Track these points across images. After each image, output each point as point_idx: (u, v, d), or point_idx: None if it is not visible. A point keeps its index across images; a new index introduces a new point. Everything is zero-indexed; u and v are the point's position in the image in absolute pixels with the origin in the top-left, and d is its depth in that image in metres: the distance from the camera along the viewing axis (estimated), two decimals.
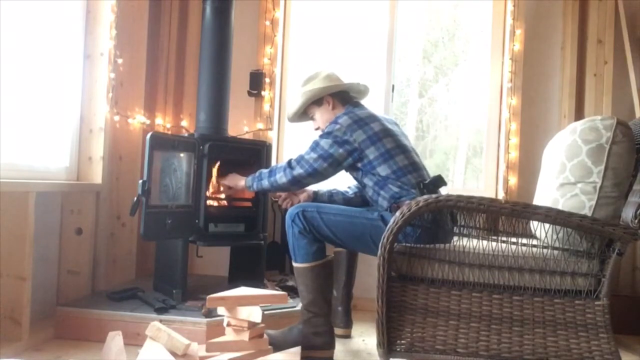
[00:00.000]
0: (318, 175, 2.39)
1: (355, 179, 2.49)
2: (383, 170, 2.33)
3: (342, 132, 2.35)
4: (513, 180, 3.39)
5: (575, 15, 3.38)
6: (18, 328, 2.27)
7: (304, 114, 2.65)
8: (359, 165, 2.38)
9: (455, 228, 2.20)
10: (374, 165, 2.34)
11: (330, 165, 2.37)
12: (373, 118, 2.40)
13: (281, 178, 2.43)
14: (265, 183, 2.50)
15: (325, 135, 2.39)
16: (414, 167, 2.37)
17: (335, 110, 2.55)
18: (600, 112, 3.28)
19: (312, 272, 2.30)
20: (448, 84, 4.00)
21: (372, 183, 2.37)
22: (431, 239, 2.01)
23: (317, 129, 2.62)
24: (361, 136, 2.33)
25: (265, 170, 2.54)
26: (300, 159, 2.41)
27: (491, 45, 3.61)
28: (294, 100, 2.64)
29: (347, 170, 2.47)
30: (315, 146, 2.39)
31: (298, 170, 2.39)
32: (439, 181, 2.27)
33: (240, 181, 2.68)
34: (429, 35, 4.03)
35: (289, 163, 2.44)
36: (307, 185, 2.51)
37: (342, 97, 2.59)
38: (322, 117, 2.58)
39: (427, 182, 2.28)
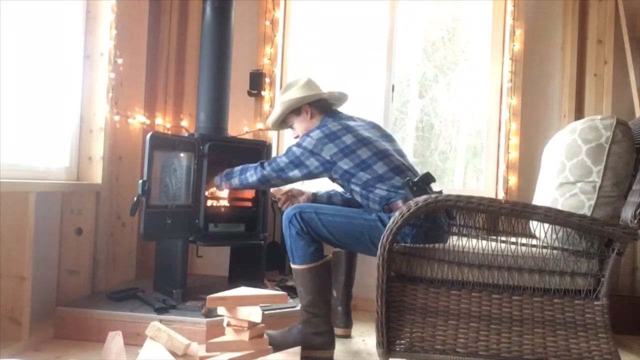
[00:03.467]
0: (286, 178, 2.50)
1: (342, 186, 2.50)
2: (363, 177, 2.35)
3: (312, 145, 2.39)
4: (513, 180, 3.39)
5: (575, 15, 3.38)
6: (18, 328, 2.27)
7: (283, 122, 2.69)
8: (335, 175, 2.42)
9: (453, 227, 2.19)
10: (352, 173, 2.36)
11: (300, 171, 2.44)
12: (346, 130, 2.41)
13: (251, 176, 2.56)
14: (235, 181, 2.63)
15: (297, 145, 2.46)
16: (396, 171, 2.35)
17: (313, 120, 2.58)
18: (600, 112, 3.28)
19: (310, 273, 2.30)
20: (448, 84, 4.00)
21: (359, 189, 2.37)
22: (429, 238, 2.01)
23: (296, 137, 2.64)
24: (332, 149, 2.37)
25: (237, 169, 2.65)
26: (272, 161, 2.51)
27: (491, 45, 3.61)
28: (274, 109, 2.67)
29: (332, 180, 2.51)
30: (287, 151, 2.48)
31: (267, 170, 2.51)
32: (428, 178, 2.25)
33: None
34: (429, 35, 4.03)
35: (262, 164, 2.55)
36: (275, 186, 2.66)
37: (321, 105, 2.61)
38: (300, 125, 2.61)
39: (416, 180, 2.26)
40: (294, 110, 2.61)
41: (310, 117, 2.59)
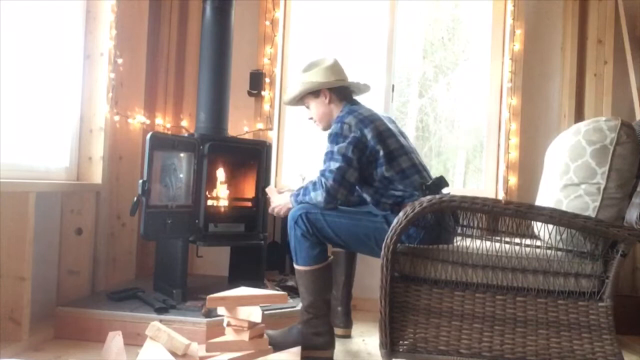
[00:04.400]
0: (345, 182, 2.26)
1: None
2: (387, 171, 2.29)
3: (350, 130, 2.29)
4: (513, 180, 3.39)
5: (575, 15, 3.38)
6: (18, 328, 2.27)
7: (300, 100, 2.61)
8: (371, 162, 2.31)
9: (458, 228, 2.19)
10: (381, 163, 2.29)
11: (354, 169, 2.27)
12: (375, 117, 2.38)
13: (317, 196, 2.28)
14: (305, 199, 2.36)
15: (334, 138, 2.31)
16: (416, 168, 2.34)
17: (331, 105, 2.52)
18: (600, 113, 3.28)
19: (313, 275, 2.30)
20: (448, 84, 4.00)
21: (372, 192, 2.35)
22: (434, 239, 2.00)
23: (310, 119, 2.60)
24: (370, 133, 2.29)
25: (300, 189, 2.40)
26: (323, 172, 2.29)
27: (491, 45, 3.61)
28: (293, 85, 2.61)
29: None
30: (331, 155, 2.30)
31: (326, 184, 2.26)
32: (442, 182, 2.25)
33: (287, 200, 2.49)
34: (428, 35, 4.03)
35: (315, 182, 2.32)
36: (344, 198, 2.30)
37: (340, 92, 2.54)
38: (317, 108, 2.55)
39: (429, 183, 2.26)
40: (312, 92, 2.53)
41: (328, 102, 2.51)
